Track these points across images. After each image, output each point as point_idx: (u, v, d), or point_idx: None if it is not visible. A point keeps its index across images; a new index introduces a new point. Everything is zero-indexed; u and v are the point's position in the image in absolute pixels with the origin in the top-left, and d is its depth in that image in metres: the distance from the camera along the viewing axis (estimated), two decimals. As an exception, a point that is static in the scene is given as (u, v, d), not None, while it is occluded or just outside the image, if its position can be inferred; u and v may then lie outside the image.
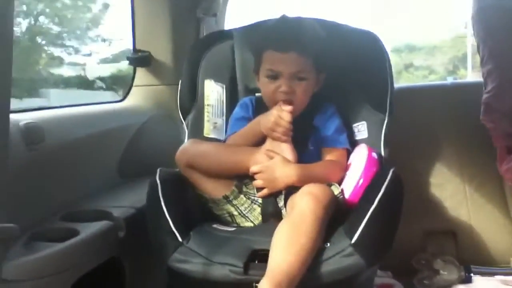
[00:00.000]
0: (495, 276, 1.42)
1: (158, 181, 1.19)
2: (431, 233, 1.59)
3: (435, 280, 1.41)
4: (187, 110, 1.47)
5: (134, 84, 1.82)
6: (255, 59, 1.36)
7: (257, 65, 1.35)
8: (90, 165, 1.42)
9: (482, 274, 1.43)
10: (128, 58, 1.79)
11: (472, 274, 1.42)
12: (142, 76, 1.82)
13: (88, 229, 1.11)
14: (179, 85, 1.48)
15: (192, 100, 1.47)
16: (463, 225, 1.58)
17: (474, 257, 1.54)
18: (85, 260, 1.08)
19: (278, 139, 1.22)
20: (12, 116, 1.13)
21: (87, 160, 1.40)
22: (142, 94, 1.81)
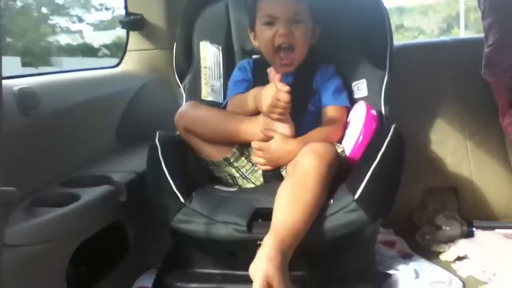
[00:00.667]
0: (497, 230, 1.43)
1: (157, 144, 1.17)
2: (433, 190, 1.59)
3: (437, 235, 1.41)
4: (184, 73, 1.44)
5: (128, 48, 1.78)
6: (249, 13, 1.36)
7: (252, 18, 1.34)
8: (88, 131, 1.40)
9: (484, 228, 1.43)
10: (120, 22, 1.75)
11: (474, 229, 1.42)
12: (135, 40, 1.78)
13: (89, 194, 1.10)
14: (174, 48, 1.45)
15: (188, 63, 1.44)
16: (464, 181, 1.58)
17: (476, 212, 1.54)
18: (87, 224, 1.07)
19: (277, 120, 1.19)
20: (6, 82, 1.11)
21: (84, 126, 1.38)
22: (137, 58, 1.78)
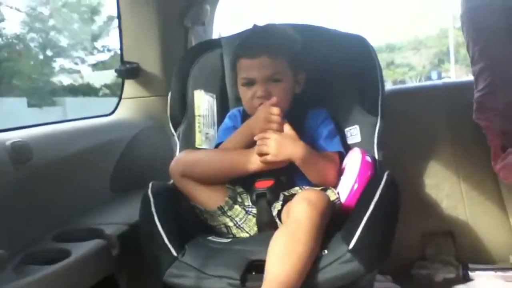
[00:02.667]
0: (496, 272, 1.41)
1: (150, 195, 1.17)
2: (430, 234, 1.58)
3: (435, 278, 1.39)
4: (178, 122, 1.45)
5: (123, 96, 1.80)
6: (232, 71, 1.38)
7: (234, 76, 1.36)
8: (82, 181, 1.39)
9: (479, 271, 1.42)
10: (116, 71, 1.77)
11: (469, 272, 1.41)
12: (131, 88, 1.80)
13: (80, 249, 1.09)
14: (169, 97, 1.47)
15: (182, 111, 1.45)
16: (461, 225, 1.57)
17: (473, 256, 1.53)
18: (78, 281, 1.06)
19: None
20: (-1, 135, 1.11)
21: (78, 176, 1.38)
22: (131, 106, 1.80)
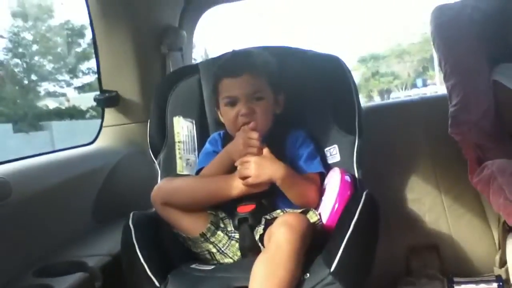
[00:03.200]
0: (478, 285, 1.42)
1: (131, 225, 1.16)
2: (414, 248, 1.59)
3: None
4: (158, 149, 1.45)
5: (104, 124, 1.80)
6: (213, 93, 1.40)
7: (216, 98, 1.38)
8: (63, 213, 1.39)
9: (464, 284, 1.43)
10: (95, 100, 1.78)
11: (454, 285, 1.42)
12: (111, 116, 1.80)
13: (63, 284, 1.08)
14: (148, 125, 1.47)
15: (162, 139, 1.46)
16: (444, 238, 1.59)
17: (458, 268, 1.54)
18: (60, 316, 1.04)
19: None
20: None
21: (59, 208, 1.37)
22: (112, 134, 1.80)
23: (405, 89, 20.92)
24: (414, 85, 20.57)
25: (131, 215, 1.20)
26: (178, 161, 1.44)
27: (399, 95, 19.26)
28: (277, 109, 1.37)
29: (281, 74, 1.38)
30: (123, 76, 1.75)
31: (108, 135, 1.79)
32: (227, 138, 1.39)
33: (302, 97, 1.41)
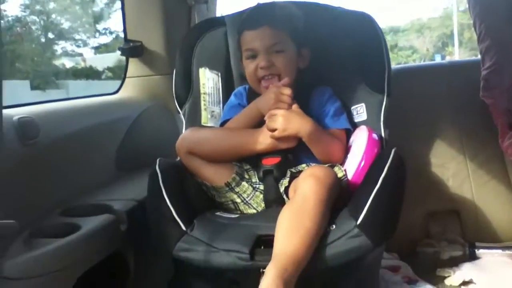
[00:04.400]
0: (503, 251, 1.42)
1: (158, 171, 1.17)
2: (435, 213, 1.59)
3: (441, 256, 1.40)
4: (183, 100, 1.45)
5: (127, 75, 1.79)
6: (237, 48, 1.39)
7: (240, 52, 1.37)
8: (87, 159, 1.39)
9: (486, 249, 1.43)
10: (119, 49, 1.76)
11: (476, 250, 1.42)
12: (135, 67, 1.79)
13: (90, 224, 1.09)
14: (174, 75, 1.46)
15: (187, 89, 1.45)
16: (466, 204, 1.58)
17: (479, 234, 1.54)
18: (88, 255, 1.06)
19: None
20: (6, 111, 1.11)
21: (84, 154, 1.38)
22: (136, 85, 1.79)
23: (423, 64, 20.58)
24: (432, 61, 20.26)
25: (157, 161, 1.20)
26: (203, 112, 1.43)
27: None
28: (301, 63, 1.35)
29: (307, 29, 1.36)
30: (148, 26, 1.72)
31: (131, 85, 1.78)
32: (252, 92, 1.38)
33: (330, 54, 1.39)
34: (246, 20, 1.35)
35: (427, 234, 1.58)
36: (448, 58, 19.63)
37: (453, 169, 1.60)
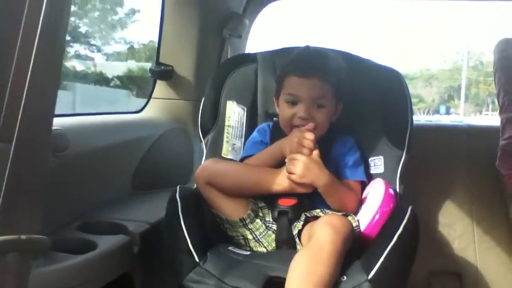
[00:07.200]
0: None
1: (178, 198, 1.19)
2: (436, 273, 1.59)
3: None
4: (208, 129, 1.47)
5: (152, 96, 1.83)
6: (277, 84, 1.39)
7: (278, 90, 1.37)
8: (107, 175, 1.41)
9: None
10: (150, 71, 1.80)
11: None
12: (161, 89, 1.82)
13: (105, 242, 1.10)
14: (202, 104, 1.49)
15: (213, 120, 1.47)
16: (469, 267, 1.59)
17: (479, 300, 1.54)
18: (101, 274, 1.07)
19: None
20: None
21: (104, 170, 1.40)
22: (159, 106, 1.82)
23: (428, 113, 20.80)
24: (436, 111, 20.46)
25: (177, 188, 1.22)
26: (225, 144, 1.46)
27: (420, 119, 19.17)
28: (334, 117, 1.36)
29: (346, 82, 1.36)
30: (181, 52, 1.76)
31: (155, 106, 1.81)
32: (276, 130, 1.39)
33: (356, 104, 1.41)
34: (296, 64, 1.32)
35: (428, 293, 1.59)
36: (453, 111, 19.82)
37: (459, 230, 1.62)
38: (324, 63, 1.32)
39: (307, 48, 1.38)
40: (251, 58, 1.55)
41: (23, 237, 0.67)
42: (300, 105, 1.29)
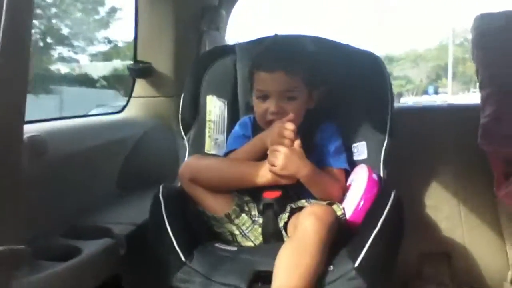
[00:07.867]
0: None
1: (161, 198, 1.18)
2: (426, 255, 1.60)
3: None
4: (189, 125, 1.46)
5: (133, 95, 1.81)
6: (249, 80, 1.38)
7: (251, 85, 1.37)
8: (89, 178, 1.40)
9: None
10: (129, 69, 1.78)
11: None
12: (141, 87, 1.81)
13: (90, 248, 1.09)
14: (181, 100, 1.48)
15: (193, 115, 1.46)
16: (457, 247, 1.60)
17: (468, 279, 1.56)
18: (88, 279, 1.06)
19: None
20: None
21: (86, 173, 1.38)
22: (140, 105, 1.80)
23: (416, 94, 20.86)
24: (425, 92, 20.52)
25: (160, 187, 1.21)
26: (207, 139, 1.45)
27: (408, 100, 19.24)
28: (309, 104, 1.35)
29: (319, 65, 1.35)
30: (159, 48, 1.75)
31: (136, 105, 1.80)
32: (257, 123, 1.38)
33: (335, 90, 1.40)
34: (261, 59, 1.32)
35: (418, 275, 1.60)
36: (441, 90, 19.88)
37: (446, 211, 1.63)
38: (290, 54, 1.30)
39: (275, 38, 1.38)
40: (230, 50, 1.54)
41: (1, 248, 0.66)
42: (270, 100, 1.29)
